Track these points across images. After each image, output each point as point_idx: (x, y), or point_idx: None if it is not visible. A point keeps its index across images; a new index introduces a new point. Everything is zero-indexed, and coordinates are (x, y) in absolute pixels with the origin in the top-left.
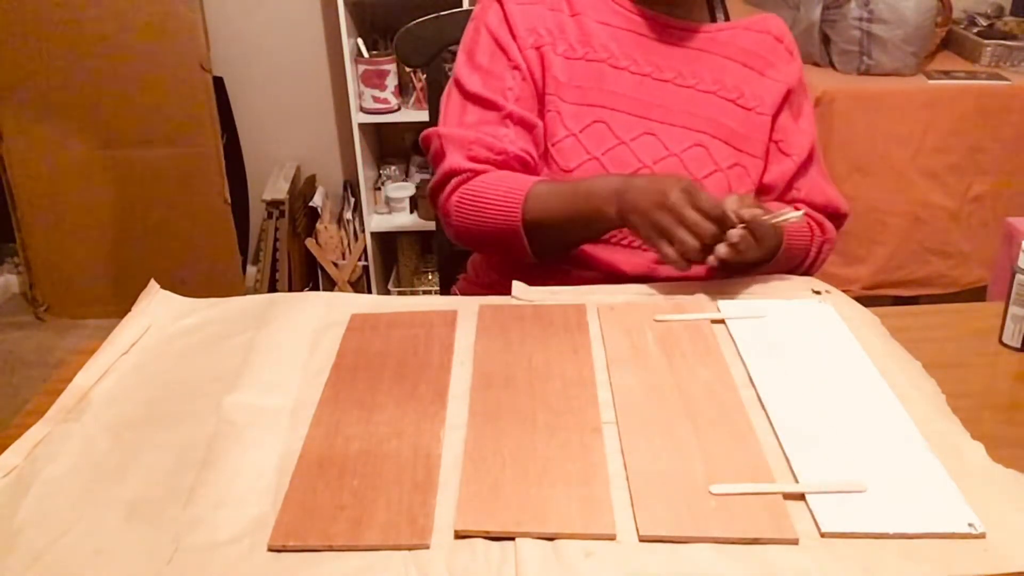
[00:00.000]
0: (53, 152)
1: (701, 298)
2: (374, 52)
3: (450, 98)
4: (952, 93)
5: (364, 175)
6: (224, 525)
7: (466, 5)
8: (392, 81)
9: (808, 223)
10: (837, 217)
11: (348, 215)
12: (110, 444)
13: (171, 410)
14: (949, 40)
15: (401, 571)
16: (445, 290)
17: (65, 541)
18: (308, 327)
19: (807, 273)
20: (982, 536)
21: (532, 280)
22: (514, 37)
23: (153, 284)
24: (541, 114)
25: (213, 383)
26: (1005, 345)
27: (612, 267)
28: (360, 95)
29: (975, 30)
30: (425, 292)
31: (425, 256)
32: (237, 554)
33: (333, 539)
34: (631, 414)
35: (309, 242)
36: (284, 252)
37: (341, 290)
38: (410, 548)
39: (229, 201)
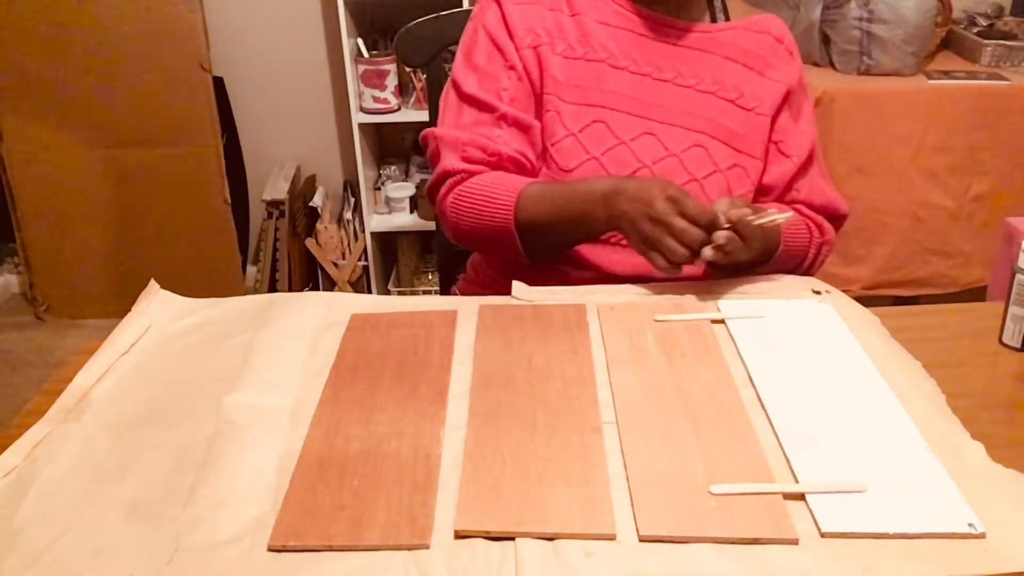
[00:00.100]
0: (53, 152)
1: (701, 298)
2: (374, 52)
3: (447, 99)
4: (952, 93)
5: (364, 175)
6: (224, 525)
7: (466, 5)
8: (392, 81)
9: (807, 225)
10: (837, 218)
11: (348, 215)
12: (110, 444)
13: (171, 410)
14: (949, 40)
15: (401, 571)
16: (445, 290)
17: (65, 541)
18: (308, 327)
19: (806, 274)
20: (982, 536)
21: (532, 280)
22: (511, 37)
23: (153, 284)
24: (539, 114)
25: (213, 383)
26: (1005, 345)
27: (611, 267)
28: (360, 95)
29: (975, 30)
30: (425, 292)
31: (425, 256)
32: (237, 554)
33: (333, 539)
34: (631, 414)
35: (309, 242)
36: (284, 252)
37: (341, 290)
38: (410, 548)
39: (229, 201)
